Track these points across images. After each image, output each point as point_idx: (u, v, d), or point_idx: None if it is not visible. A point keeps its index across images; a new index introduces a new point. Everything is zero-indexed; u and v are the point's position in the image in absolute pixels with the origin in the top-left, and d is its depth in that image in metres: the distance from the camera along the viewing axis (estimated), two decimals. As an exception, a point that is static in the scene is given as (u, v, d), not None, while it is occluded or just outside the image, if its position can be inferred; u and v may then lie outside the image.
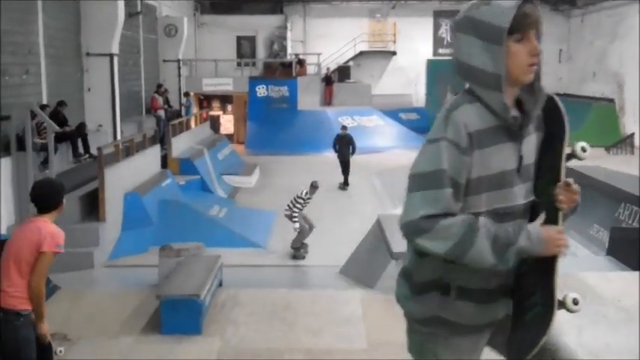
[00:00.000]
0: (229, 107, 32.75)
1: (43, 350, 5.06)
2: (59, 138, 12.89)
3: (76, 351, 6.96)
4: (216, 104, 32.57)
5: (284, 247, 13.19)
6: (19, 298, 4.86)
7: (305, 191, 13.77)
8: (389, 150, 28.11)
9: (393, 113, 32.76)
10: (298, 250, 12.87)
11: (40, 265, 4.85)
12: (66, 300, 8.53)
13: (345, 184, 20.63)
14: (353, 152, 20.99)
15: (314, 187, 13.99)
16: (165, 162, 17.58)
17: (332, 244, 12.84)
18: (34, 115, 12.00)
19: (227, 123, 32.43)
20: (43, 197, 5.04)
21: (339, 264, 10.21)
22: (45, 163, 12.16)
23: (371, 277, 9.03)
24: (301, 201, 13.49)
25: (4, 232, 10.75)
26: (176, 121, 20.60)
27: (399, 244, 9.07)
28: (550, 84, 33.85)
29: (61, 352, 5.53)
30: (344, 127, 22.33)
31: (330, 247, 12.52)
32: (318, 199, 17.74)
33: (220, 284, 8.93)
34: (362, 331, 7.48)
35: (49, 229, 4.92)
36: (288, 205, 13.50)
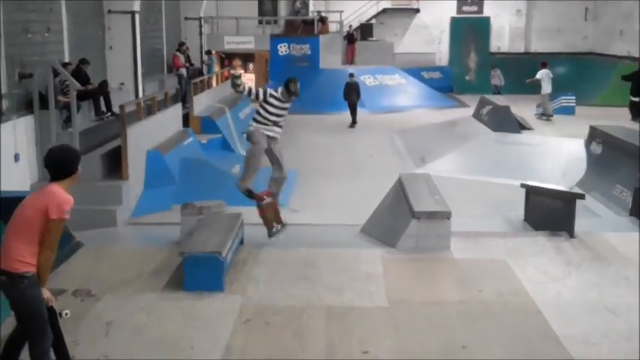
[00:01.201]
0: (251, 66, 32.58)
1: (24, 318, 5.10)
2: (81, 96, 12.91)
3: (99, 306, 7.06)
4: (237, 62, 32.40)
5: (305, 205, 13.20)
6: (23, 263, 4.91)
7: (280, 90, 9.42)
8: (411, 109, 27.92)
9: (415, 72, 32.48)
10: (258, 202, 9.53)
11: (49, 233, 4.89)
12: (89, 257, 8.63)
13: (353, 123, 24.18)
14: (358, 97, 24.57)
15: (290, 90, 9.31)
16: (186, 120, 17.58)
17: (353, 203, 12.83)
18: (56, 73, 12.01)
19: (248, 81, 32.31)
20: (57, 164, 5.03)
21: (360, 223, 10.21)
22: (68, 121, 12.20)
23: (392, 236, 9.03)
24: (270, 108, 9.39)
25: (27, 189, 10.85)
26: (197, 80, 20.55)
27: (420, 203, 9.06)
28: (575, 43, 33.34)
29: (66, 314, 5.57)
30: (351, 75, 25.41)
31: (351, 206, 12.51)
32: (341, 160, 17.75)
33: (242, 242, 8.99)
34: (383, 288, 7.52)
35: (58, 195, 4.93)
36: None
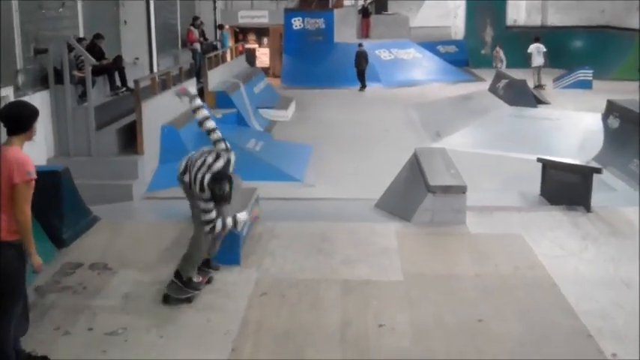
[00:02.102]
0: (265, 40, 32.47)
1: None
2: (96, 71, 12.89)
3: (116, 280, 7.11)
4: (251, 37, 32.31)
5: (320, 180, 13.20)
6: (4, 230, 4.86)
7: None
8: (426, 83, 27.79)
9: (431, 46, 32.26)
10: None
11: (16, 198, 4.82)
12: (106, 231, 8.69)
13: (363, 87, 26.60)
14: (367, 64, 26.70)
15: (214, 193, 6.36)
16: (201, 95, 17.54)
17: (368, 177, 12.82)
18: (71, 49, 12.00)
19: (263, 56, 32.20)
20: (13, 117, 4.98)
21: (375, 197, 10.20)
22: (83, 96, 12.21)
23: (407, 211, 9.02)
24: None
25: (44, 164, 10.91)
26: (212, 55, 20.51)
27: (435, 177, 9.03)
28: (592, 16, 32.90)
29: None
30: (360, 45, 27.23)
31: (366, 181, 12.51)
32: (356, 134, 17.72)
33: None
34: (398, 262, 7.52)
35: (17, 158, 4.86)
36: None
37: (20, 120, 4.98)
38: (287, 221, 9.04)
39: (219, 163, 6.45)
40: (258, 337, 5.59)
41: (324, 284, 6.98)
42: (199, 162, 6.50)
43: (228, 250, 7.42)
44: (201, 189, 6.37)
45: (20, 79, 11.07)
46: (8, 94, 10.46)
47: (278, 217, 9.16)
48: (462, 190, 8.78)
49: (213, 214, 6.46)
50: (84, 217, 8.72)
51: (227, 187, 6.32)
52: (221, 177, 6.34)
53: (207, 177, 6.33)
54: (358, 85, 26.61)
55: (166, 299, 6.55)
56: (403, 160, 10.60)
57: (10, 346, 5.17)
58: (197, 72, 19.45)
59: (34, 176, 4.90)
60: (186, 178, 6.55)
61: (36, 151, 10.97)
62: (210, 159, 6.47)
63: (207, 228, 6.51)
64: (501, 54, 28.07)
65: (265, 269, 7.38)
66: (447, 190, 8.77)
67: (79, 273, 7.31)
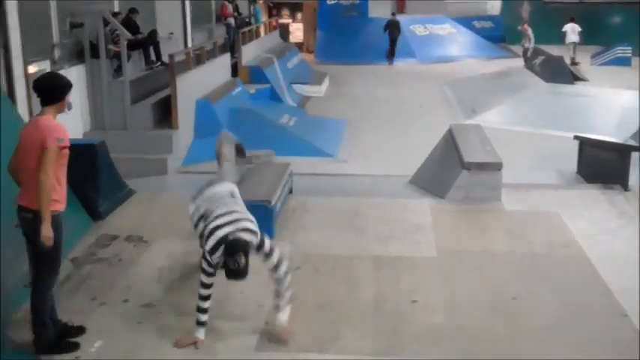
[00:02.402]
0: (299, 15, 32.31)
1: (39, 254, 5.08)
2: (131, 45, 12.94)
3: (151, 252, 7.19)
4: (285, 12, 32.16)
5: (353, 156, 13.16)
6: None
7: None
8: (461, 59, 27.52)
9: (466, 21, 31.85)
10: None
11: (43, 160, 4.87)
12: (141, 204, 8.76)
13: (391, 57, 26.89)
14: (399, 33, 26.79)
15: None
16: (235, 70, 17.57)
17: (402, 154, 12.75)
18: (106, 23, 12.05)
19: (296, 31, 32.06)
20: (46, 88, 5.07)
21: (408, 174, 10.14)
22: (118, 70, 12.28)
23: (441, 187, 8.96)
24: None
25: (80, 137, 11.03)
26: (246, 29, 20.48)
27: (471, 153, 8.96)
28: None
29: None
30: (393, 14, 27.68)
31: (399, 157, 12.44)
32: (390, 110, 17.62)
33: (290, 191, 9.01)
34: (431, 239, 7.50)
35: (48, 125, 4.96)
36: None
37: (52, 91, 5.07)
38: (320, 196, 9.04)
39: (249, 236, 5.23)
40: (292, 310, 5.62)
41: (356, 260, 6.98)
42: (223, 210, 5.43)
43: (262, 223, 7.42)
44: (212, 251, 5.18)
45: (56, 53, 11.16)
46: (45, 67, 10.56)
47: (311, 193, 9.16)
48: (497, 167, 8.70)
49: (211, 286, 5.29)
50: (119, 190, 8.80)
51: (244, 261, 5.02)
52: (240, 250, 5.06)
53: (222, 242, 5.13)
54: (396, 60, 26.60)
55: None
56: (437, 136, 10.51)
57: (48, 316, 5.27)
58: (231, 47, 19.42)
59: (65, 144, 4.97)
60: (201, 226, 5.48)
61: (72, 124, 11.08)
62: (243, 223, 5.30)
63: (201, 292, 5.31)
64: (529, 31, 27.25)
65: (298, 243, 7.40)
66: (482, 166, 8.70)
67: (114, 245, 7.39)
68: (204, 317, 5.34)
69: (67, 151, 5.03)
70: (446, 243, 7.40)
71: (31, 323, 5.24)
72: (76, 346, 5.33)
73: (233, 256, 5.00)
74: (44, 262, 5.11)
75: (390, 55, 26.81)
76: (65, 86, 5.16)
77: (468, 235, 7.70)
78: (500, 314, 5.89)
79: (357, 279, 6.56)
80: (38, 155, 4.88)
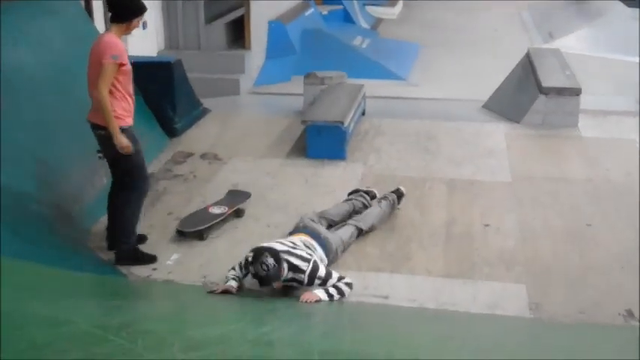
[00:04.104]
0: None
1: (125, 169, 5.26)
2: (206, -35, 12.89)
3: (226, 169, 7.32)
4: None
5: (426, 80, 12.97)
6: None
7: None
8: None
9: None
10: None
11: (102, 77, 4.95)
12: (216, 123, 8.89)
13: None
14: None
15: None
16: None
17: (475, 78, 12.49)
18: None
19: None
20: (116, 5, 5.12)
21: (482, 99, 9.97)
22: (193, -11, 12.27)
23: (517, 112, 8.80)
24: None
25: (155, 55, 11.14)
26: (319, -51, 20.12)
27: (549, 78, 8.74)
28: None
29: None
30: None
31: (473, 82, 12.19)
32: (464, 34, 17.22)
33: (363, 113, 8.99)
34: (506, 163, 7.43)
35: (109, 41, 5.02)
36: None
37: (121, 9, 5.13)
38: (393, 118, 9.01)
39: (295, 260, 4.86)
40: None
41: (429, 182, 6.98)
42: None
43: (333, 145, 7.49)
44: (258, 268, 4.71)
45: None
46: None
47: (383, 116, 9.12)
48: (575, 92, 8.49)
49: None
50: (195, 109, 8.93)
51: (271, 261, 4.66)
52: (264, 251, 4.74)
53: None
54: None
55: None
56: (512, 61, 10.26)
57: (136, 226, 5.47)
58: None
59: (120, 60, 5.01)
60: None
61: (147, 43, 11.22)
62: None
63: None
64: None
65: (371, 165, 7.43)
66: (560, 91, 8.49)
67: (189, 162, 7.55)
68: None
69: (126, 68, 5.10)
70: (521, 168, 7.32)
71: (117, 233, 5.44)
72: (153, 259, 5.53)
73: (259, 260, 4.67)
74: (131, 175, 5.28)
75: None
76: (135, 9, 5.18)
77: (544, 160, 7.58)
78: (573, 241, 5.83)
79: (429, 201, 6.57)
80: (98, 71, 4.98)
